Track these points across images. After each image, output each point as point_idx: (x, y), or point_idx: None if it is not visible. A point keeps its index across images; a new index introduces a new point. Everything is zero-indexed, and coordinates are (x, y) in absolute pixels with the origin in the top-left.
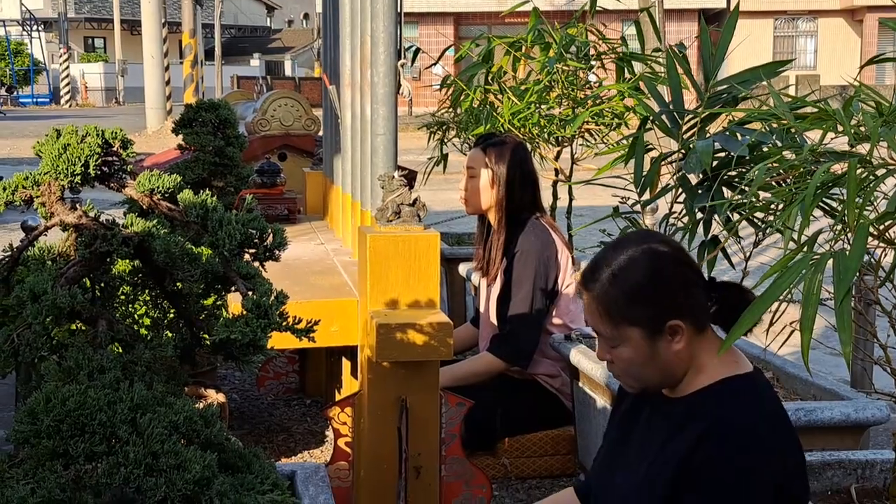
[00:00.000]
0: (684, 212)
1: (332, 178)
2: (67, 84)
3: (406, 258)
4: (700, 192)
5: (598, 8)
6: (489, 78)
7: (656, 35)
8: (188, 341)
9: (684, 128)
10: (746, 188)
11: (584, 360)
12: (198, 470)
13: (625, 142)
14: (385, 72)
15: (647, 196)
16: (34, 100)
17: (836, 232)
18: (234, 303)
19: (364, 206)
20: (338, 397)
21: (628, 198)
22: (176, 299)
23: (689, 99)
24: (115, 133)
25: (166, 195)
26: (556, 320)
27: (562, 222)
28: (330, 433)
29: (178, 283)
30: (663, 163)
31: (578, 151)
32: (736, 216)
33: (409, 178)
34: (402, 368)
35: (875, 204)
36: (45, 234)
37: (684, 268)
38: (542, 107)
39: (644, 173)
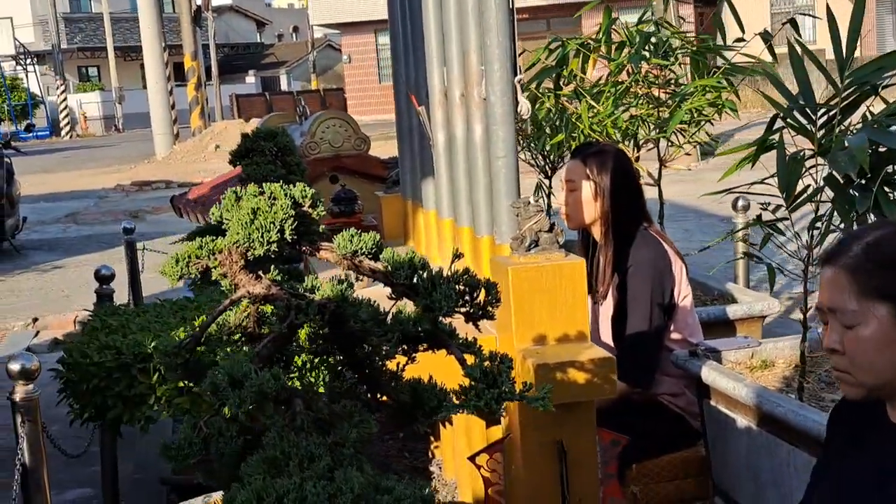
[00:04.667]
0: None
1: (422, 202)
2: (66, 115)
3: (551, 289)
4: (852, 192)
5: None
6: (560, 82)
7: (738, 24)
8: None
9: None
10: None
11: (721, 377)
12: None
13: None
14: (502, 90)
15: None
16: (34, 133)
17: None
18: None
19: (479, 233)
20: (442, 434)
21: (769, 203)
22: (360, 366)
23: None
24: (304, 192)
25: (370, 254)
26: (674, 335)
27: None
28: (434, 468)
29: (367, 348)
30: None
31: (665, 152)
32: None
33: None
34: (559, 409)
35: None
36: (231, 310)
37: None
38: (618, 109)
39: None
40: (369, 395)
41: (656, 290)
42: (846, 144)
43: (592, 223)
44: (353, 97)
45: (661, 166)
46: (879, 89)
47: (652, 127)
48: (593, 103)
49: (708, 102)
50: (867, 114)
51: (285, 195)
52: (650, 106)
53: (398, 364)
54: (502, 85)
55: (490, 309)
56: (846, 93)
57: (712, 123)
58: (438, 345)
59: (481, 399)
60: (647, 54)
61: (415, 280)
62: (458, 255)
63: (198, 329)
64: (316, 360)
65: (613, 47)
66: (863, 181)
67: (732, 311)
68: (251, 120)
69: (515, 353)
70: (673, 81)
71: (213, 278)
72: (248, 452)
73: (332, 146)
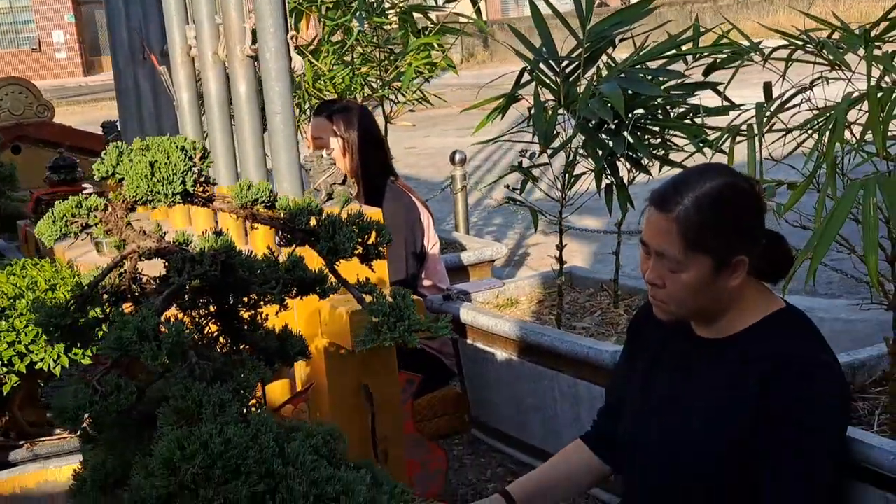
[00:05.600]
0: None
1: None
2: None
3: None
4: (603, 137)
5: None
6: None
7: None
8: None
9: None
10: (656, 128)
11: (482, 316)
12: (365, 491)
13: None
14: (276, 47)
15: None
16: None
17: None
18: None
19: None
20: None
21: (527, 150)
22: (227, 316)
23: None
24: (194, 144)
25: (267, 203)
26: (426, 282)
27: None
28: None
29: (244, 298)
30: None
31: (391, 110)
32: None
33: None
34: (362, 353)
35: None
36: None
37: (759, 209)
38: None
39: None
40: (231, 347)
41: (409, 240)
42: (599, 92)
43: None
44: None
45: (387, 123)
46: (617, 42)
47: (379, 85)
48: (314, 61)
49: (423, 61)
50: (601, 65)
51: (175, 147)
52: (370, 65)
53: (262, 313)
54: (276, 42)
55: (381, 249)
56: (588, 44)
57: (428, 81)
58: (307, 290)
59: (395, 331)
60: (364, 14)
61: (314, 224)
62: (348, 200)
63: (86, 287)
64: (181, 315)
65: (326, 7)
66: (612, 126)
67: (466, 257)
68: None
69: (322, 303)
70: (388, 41)
71: (96, 235)
72: (132, 408)
73: (13, 114)
